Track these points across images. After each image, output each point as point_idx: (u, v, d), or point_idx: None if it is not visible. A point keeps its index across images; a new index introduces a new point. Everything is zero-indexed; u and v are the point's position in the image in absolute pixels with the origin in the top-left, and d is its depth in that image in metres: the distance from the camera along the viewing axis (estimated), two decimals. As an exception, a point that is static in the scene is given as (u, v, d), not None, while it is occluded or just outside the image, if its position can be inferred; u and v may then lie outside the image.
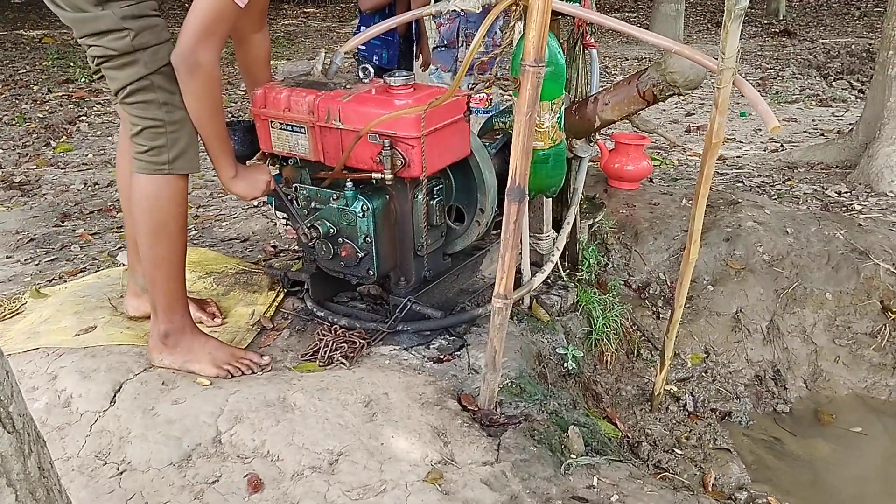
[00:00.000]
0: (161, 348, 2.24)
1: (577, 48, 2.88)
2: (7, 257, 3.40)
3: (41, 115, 5.93)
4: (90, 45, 2.04)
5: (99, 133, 5.55)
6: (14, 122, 5.71)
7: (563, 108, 2.39)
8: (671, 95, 2.57)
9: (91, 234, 3.64)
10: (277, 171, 2.55)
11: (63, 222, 3.82)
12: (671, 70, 2.46)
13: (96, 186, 4.38)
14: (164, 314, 2.21)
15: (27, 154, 5.00)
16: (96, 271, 3.08)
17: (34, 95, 6.61)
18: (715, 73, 2.07)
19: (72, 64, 7.90)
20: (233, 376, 2.24)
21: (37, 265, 3.30)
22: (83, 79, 7.20)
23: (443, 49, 3.73)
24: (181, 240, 2.19)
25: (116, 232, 3.67)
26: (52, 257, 3.38)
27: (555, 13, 2.36)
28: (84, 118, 5.89)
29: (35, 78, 7.31)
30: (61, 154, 5.04)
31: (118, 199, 4.11)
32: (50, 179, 4.51)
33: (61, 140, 5.33)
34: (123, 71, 2.02)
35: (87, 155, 5.03)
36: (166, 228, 2.13)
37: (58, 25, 10.60)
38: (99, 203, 4.08)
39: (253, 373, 2.28)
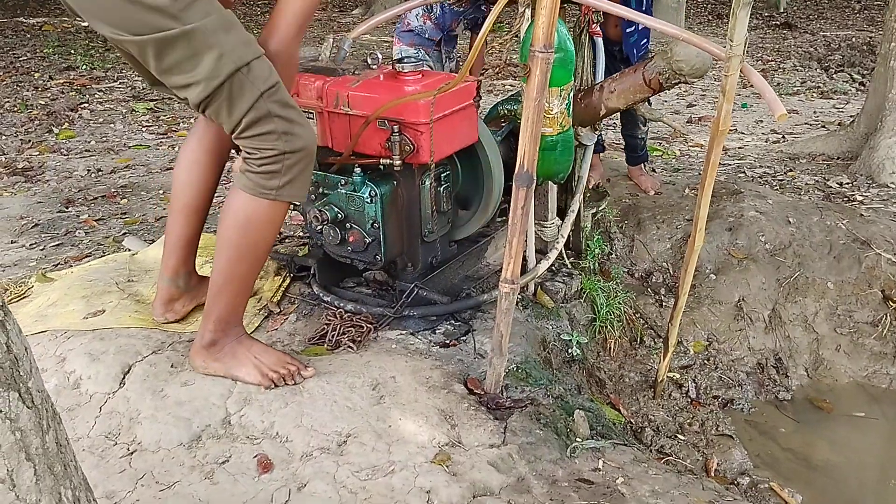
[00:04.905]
0: (205, 355, 2.13)
1: (582, 36, 2.89)
2: (12, 242, 3.41)
3: (43, 102, 5.92)
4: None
5: (101, 120, 5.54)
6: (16, 109, 5.71)
7: (571, 95, 2.40)
8: (677, 84, 2.59)
9: (95, 220, 3.65)
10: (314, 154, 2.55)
11: (67, 208, 3.83)
12: (677, 58, 2.47)
13: (99, 173, 4.39)
14: (217, 324, 2.10)
15: (30, 140, 5.01)
16: (102, 256, 3.09)
17: (35, 82, 6.60)
18: (722, 60, 2.08)
19: (72, 51, 7.89)
20: (277, 386, 2.10)
21: (42, 250, 3.31)
22: (84, 66, 7.20)
23: (425, 37, 3.75)
24: (263, 261, 2.12)
25: (121, 218, 3.68)
26: (57, 242, 3.39)
27: (563, 0, 2.38)
28: (86, 105, 5.88)
29: (36, 65, 7.30)
30: (64, 140, 5.04)
31: (122, 186, 4.13)
32: (53, 166, 4.51)
33: (64, 127, 5.33)
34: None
35: (89, 142, 5.03)
36: (254, 249, 2.04)
37: (58, 13, 10.56)
38: (102, 189, 4.09)
39: (295, 383, 2.12)
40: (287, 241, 3.22)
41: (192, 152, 2.28)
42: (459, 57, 4.03)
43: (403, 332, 2.48)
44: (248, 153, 1.94)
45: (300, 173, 1.98)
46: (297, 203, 2.39)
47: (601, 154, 3.99)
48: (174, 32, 1.76)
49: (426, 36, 3.63)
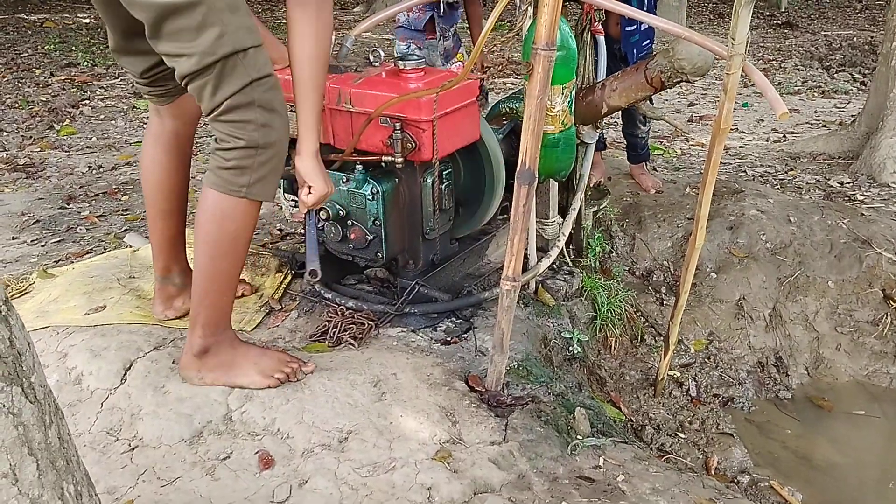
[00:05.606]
0: (199, 365, 2.05)
1: (584, 35, 2.89)
2: (13, 238, 3.41)
3: (44, 99, 5.93)
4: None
5: (102, 117, 5.55)
6: (17, 106, 5.71)
7: (573, 93, 2.40)
8: (679, 82, 2.59)
9: (96, 217, 3.65)
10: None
11: (68, 204, 3.83)
12: (679, 57, 2.47)
13: (101, 169, 4.39)
14: (206, 328, 2.02)
15: (31, 137, 5.01)
16: (103, 253, 3.09)
17: (36, 79, 6.60)
18: (724, 59, 2.08)
19: (74, 48, 7.89)
20: (282, 384, 2.08)
21: (43, 246, 3.31)
22: (85, 63, 7.20)
23: (412, 30, 3.84)
24: (244, 255, 2.03)
25: (121, 214, 3.68)
26: (59, 239, 3.39)
27: (565, -2, 2.38)
28: (87, 102, 5.89)
29: (37, 62, 7.30)
30: (65, 137, 5.04)
31: (123, 182, 4.13)
32: (54, 162, 4.52)
33: (65, 123, 5.33)
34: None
35: (90, 138, 5.04)
36: (234, 242, 1.97)
37: (59, 10, 10.57)
38: (104, 186, 4.09)
39: (298, 380, 2.11)
40: (288, 238, 3.23)
41: (151, 154, 2.25)
42: (461, 49, 4.06)
43: (405, 329, 2.49)
44: (221, 139, 1.89)
45: (270, 172, 1.93)
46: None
47: (603, 152, 3.99)
48: (183, 1, 1.74)
49: (413, 28, 3.69)
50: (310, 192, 2.07)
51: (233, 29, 1.79)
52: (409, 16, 3.77)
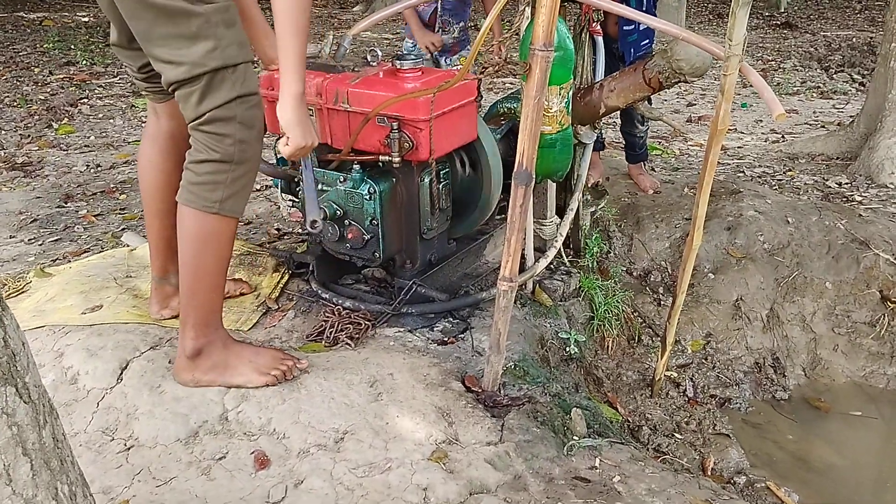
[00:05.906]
0: (192, 368, 2.05)
1: (582, 35, 2.88)
2: (10, 237, 3.41)
3: (42, 97, 5.92)
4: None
5: (101, 115, 5.54)
6: (16, 104, 5.70)
7: (570, 94, 2.40)
8: (677, 83, 2.59)
9: (94, 216, 3.65)
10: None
11: (66, 203, 3.83)
12: (677, 57, 2.47)
13: (98, 168, 4.38)
14: (197, 329, 2.01)
15: (29, 135, 5.00)
16: (100, 252, 3.09)
17: (35, 77, 6.60)
18: (722, 59, 2.08)
19: (72, 47, 7.89)
20: (279, 382, 2.08)
21: (40, 245, 3.31)
22: (84, 62, 7.19)
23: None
24: (229, 250, 2.03)
25: (119, 213, 3.68)
26: (56, 238, 3.39)
27: (563, -2, 2.37)
28: (86, 100, 5.88)
29: (36, 60, 7.29)
30: (63, 136, 5.03)
31: (121, 182, 4.13)
32: (52, 161, 4.51)
33: (63, 122, 5.33)
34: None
35: (88, 137, 5.03)
36: (216, 238, 1.98)
37: (58, 8, 10.56)
38: (101, 185, 4.09)
39: (293, 377, 2.10)
40: (286, 237, 3.23)
41: (148, 155, 2.25)
42: (465, 41, 4.07)
43: (401, 329, 2.48)
44: (195, 150, 1.90)
45: (243, 188, 1.95)
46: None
47: (601, 152, 3.99)
48: (179, 6, 1.75)
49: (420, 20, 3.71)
50: (287, 143, 2.00)
51: (226, 44, 1.81)
52: (419, 8, 3.80)
